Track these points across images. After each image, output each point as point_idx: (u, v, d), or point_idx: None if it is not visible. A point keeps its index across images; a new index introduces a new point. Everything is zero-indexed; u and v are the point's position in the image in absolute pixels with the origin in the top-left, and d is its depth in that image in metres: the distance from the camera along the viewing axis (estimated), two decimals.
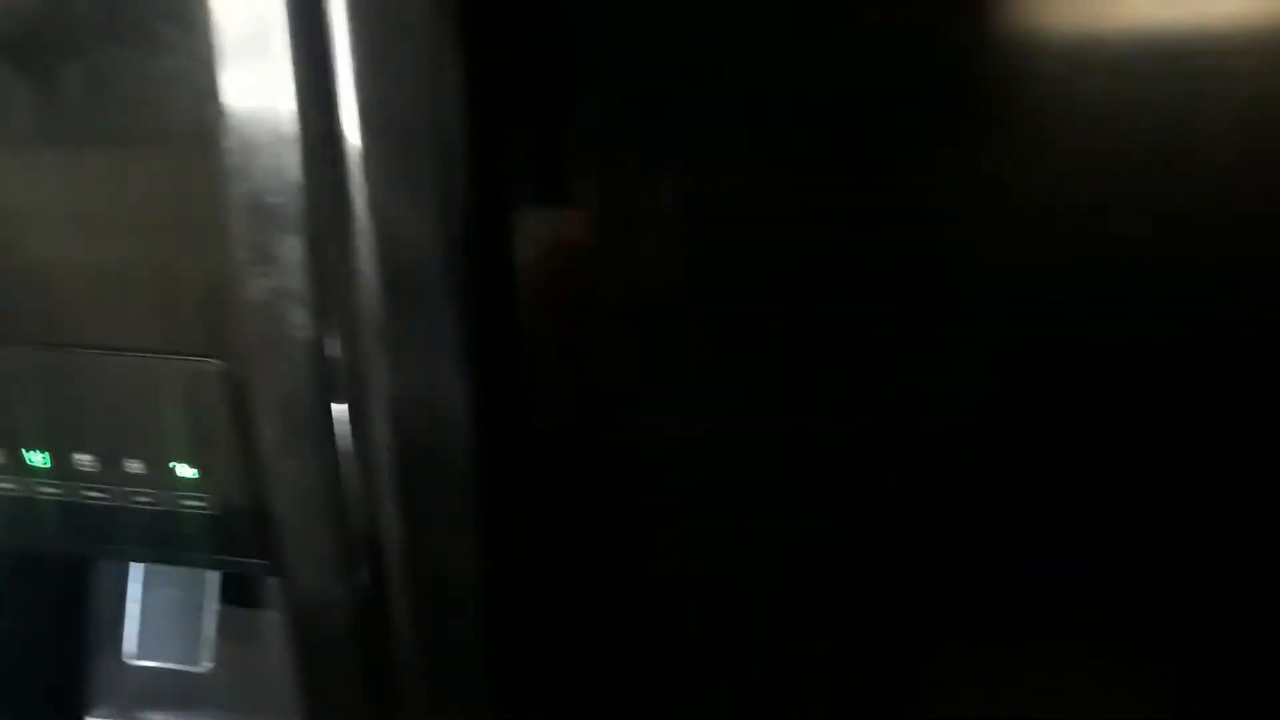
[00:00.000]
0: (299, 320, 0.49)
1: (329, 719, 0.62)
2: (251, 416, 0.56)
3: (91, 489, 0.61)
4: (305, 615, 0.58)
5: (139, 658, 0.73)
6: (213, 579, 0.74)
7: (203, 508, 0.60)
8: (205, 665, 0.73)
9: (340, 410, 0.52)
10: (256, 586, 0.74)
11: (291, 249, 0.47)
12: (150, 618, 0.73)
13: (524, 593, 0.57)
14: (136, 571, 0.74)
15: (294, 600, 0.58)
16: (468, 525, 0.52)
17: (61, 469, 0.61)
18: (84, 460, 0.61)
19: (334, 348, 0.50)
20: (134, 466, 0.60)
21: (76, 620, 0.77)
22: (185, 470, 0.60)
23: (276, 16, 0.44)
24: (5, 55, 0.52)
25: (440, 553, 0.53)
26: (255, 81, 0.45)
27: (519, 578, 0.56)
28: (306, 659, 0.60)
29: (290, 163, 0.45)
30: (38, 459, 0.61)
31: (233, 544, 0.61)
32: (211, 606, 0.74)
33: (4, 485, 0.62)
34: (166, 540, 0.62)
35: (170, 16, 0.49)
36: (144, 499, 0.61)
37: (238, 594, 0.75)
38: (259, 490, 0.59)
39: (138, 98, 0.51)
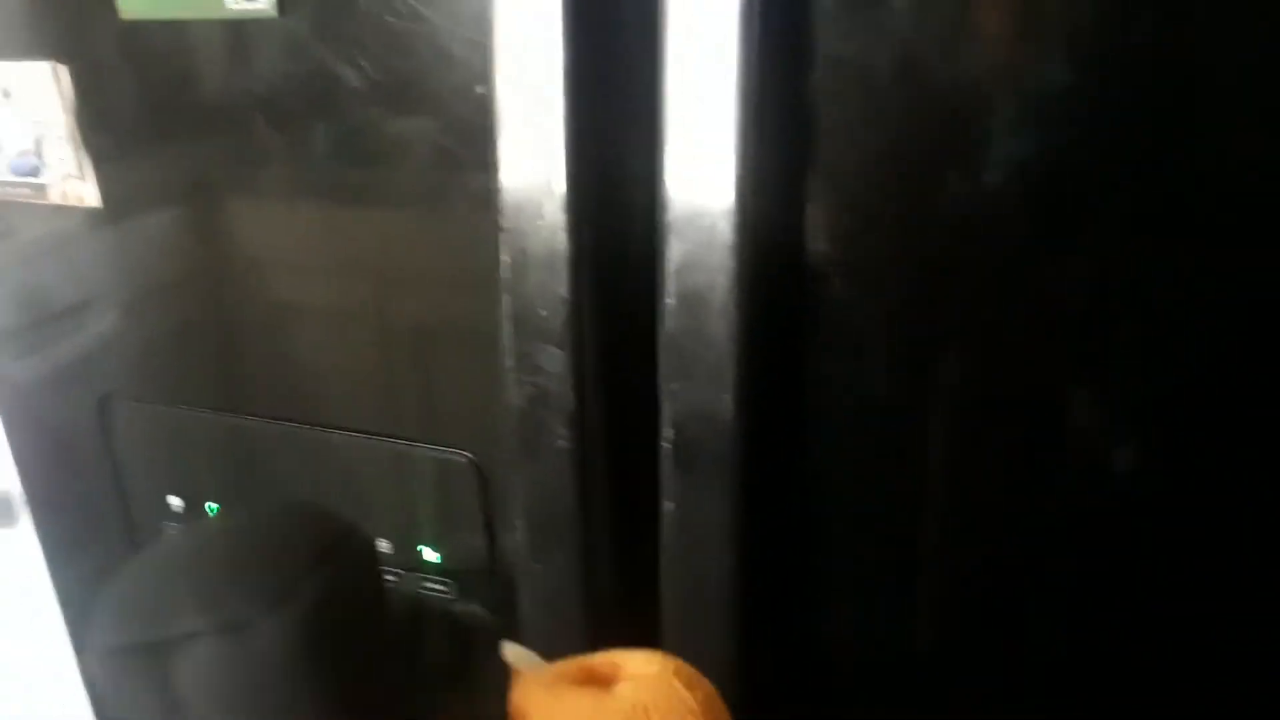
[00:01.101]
0: (558, 429, 0.48)
1: None
2: (499, 512, 0.57)
3: None
4: None
5: None
6: None
7: (444, 592, 0.61)
8: None
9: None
10: None
11: (554, 360, 0.47)
12: None
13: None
14: None
15: None
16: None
17: None
18: None
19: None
20: (382, 545, 0.61)
21: None
22: (430, 554, 0.61)
23: (558, 145, 0.44)
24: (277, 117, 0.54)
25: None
26: (534, 196, 0.45)
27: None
28: None
29: (560, 278, 0.45)
30: None
31: (471, 630, 0.62)
32: None
33: None
34: (410, 620, 0.63)
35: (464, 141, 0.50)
36: (390, 578, 0.62)
37: None
38: (502, 583, 0.59)
39: (422, 207, 0.53)
